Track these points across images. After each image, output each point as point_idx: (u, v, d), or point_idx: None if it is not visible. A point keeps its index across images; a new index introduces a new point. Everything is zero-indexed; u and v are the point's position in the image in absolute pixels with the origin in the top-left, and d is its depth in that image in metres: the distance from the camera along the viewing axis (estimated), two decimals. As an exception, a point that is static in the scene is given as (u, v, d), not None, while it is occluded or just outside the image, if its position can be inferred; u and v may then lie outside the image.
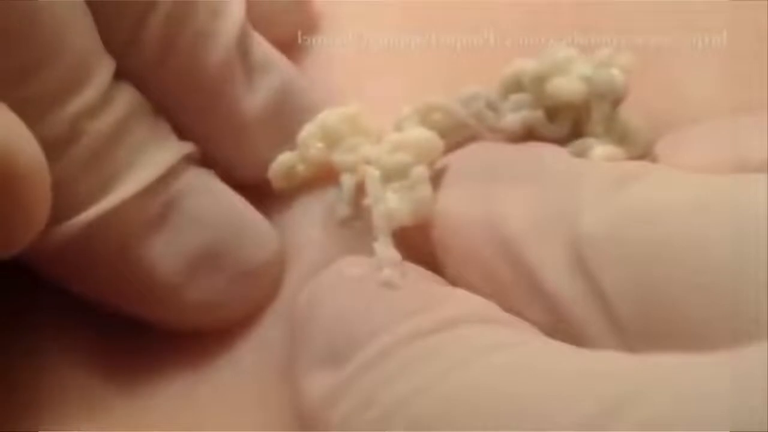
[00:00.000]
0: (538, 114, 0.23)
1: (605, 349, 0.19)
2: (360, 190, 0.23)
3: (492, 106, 0.24)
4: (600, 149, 0.22)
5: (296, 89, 0.25)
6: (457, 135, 0.24)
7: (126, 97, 0.23)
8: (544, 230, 0.20)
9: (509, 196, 0.21)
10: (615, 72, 0.23)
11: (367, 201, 0.22)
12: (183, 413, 0.23)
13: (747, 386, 0.15)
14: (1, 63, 0.21)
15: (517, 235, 0.20)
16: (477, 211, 0.21)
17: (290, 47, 0.26)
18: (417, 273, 0.22)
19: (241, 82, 0.24)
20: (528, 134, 0.23)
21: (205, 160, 0.24)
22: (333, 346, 0.20)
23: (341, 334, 0.20)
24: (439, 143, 0.23)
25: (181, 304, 0.24)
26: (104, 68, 0.22)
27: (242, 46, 0.24)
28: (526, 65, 0.23)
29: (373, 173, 0.22)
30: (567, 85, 0.22)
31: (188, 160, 0.24)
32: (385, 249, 0.21)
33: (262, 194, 0.25)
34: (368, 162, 0.23)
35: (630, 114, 0.23)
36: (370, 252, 0.22)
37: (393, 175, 0.22)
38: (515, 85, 0.23)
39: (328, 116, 0.24)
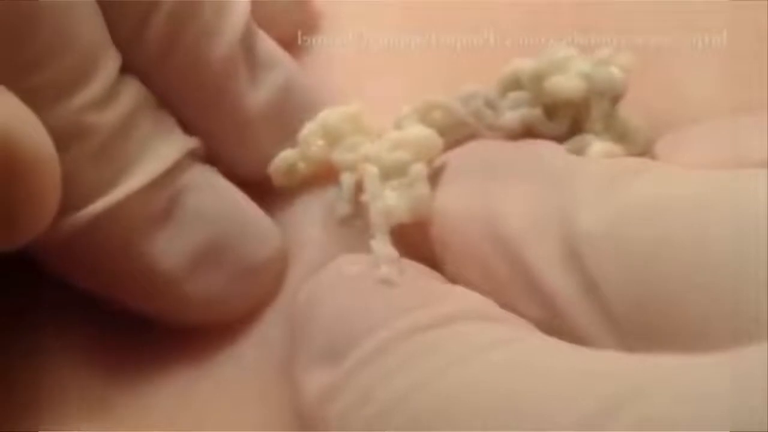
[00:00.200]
0: (537, 112, 0.23)
1: (601, 346, 0.19)
2: (360, 188, 0.23)
3: (491, 105, 0.24)
4: (598, 146, 0.22)
5: (299, 87, 0.25)
6: (457, 133, 0.24)
7: (132, 91, 0.23)
8: (541, 227, 0.20)
9: (507, 193, 0.21)
10: (614, 69, 0.23)
11: (365, 198, 0.22)
12: (184, 410, 0.23)
13: (747, 386, 0.15)
14: (10, 54, 0.21)
15: (514, 232, 0.20)
16: (475, 208, 0.21)
17: (290, 47, 0.26)
18: (415, 270, 0.22)
19: (244, 78, 0.24)
20: (527, 132, 0.23)
21: (208, 157, 0.24)
22: (331, 344, 0.20)
23: (340, 331, 0.20)
24: (438, 141, 0.23)
25: (183, 299, 0.24)
26: (111, 62, 0.23)
27: (246, 43, 0.24)
28: (525, 64, 0.23)
29: (371, 171, 0.22)
30: (566, 83, 0.22)
31: (193, 156, 0.24)
32: (383, 246, 0.21)
33: (263, 192, 0.25)
34: (368, 160, 0.23)
35: (629, 112, 0.23)
36: (370, 250, 0.22)
37: (392, 172, 0.22)
38: (514, 84, 0.24)
39: (329, 115, 0.24)
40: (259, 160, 0.25)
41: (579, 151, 0.22)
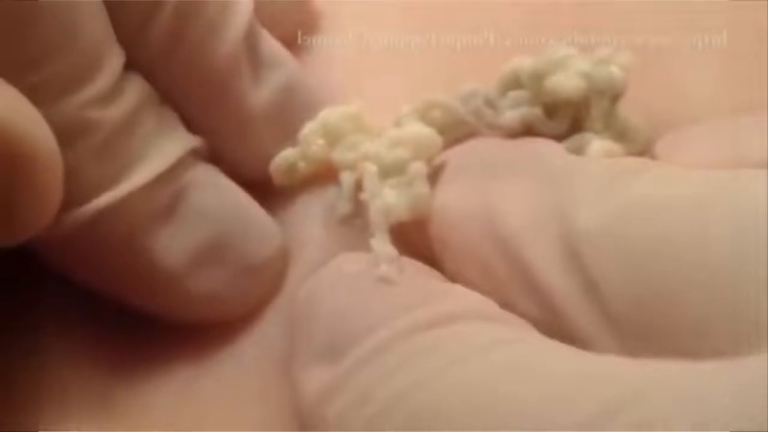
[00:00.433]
0: (537, 111, 0.23)
1: (601, 346, 0.19)
2: (360, 187, 0.23)
3: (490, 104, 0.24)
4: (597, 144, 0.22)
5: (302, 86, 0.25)
6: (456, 132, 0.24)
7: (136, 88, 0.23)
8: (540, 226, 0.20)
9: (507, 192, 0.21)
10: (613, 68, 0.23)
11: (364, 196, 0.22)
12: (184, 408, 0.23)
13: (747, 394, 0.15)
14: (13, 50, 0.21)
15: (514, 231, 0.20)
16: (474, 207, 0.21)
17: (290, 47, 0.26)
18: (414, 268, 0.22)
19: (248, 77, 0.24)
20: (526, 131, 0.23)
21: (211, 156, 0.24)
22: (331, 342, 0.20)
23: (339, 329, 0.20)
24: (438, 140, 0.23)
25: (184, 296, 0.24)
26: (115, 58, 0.23)
27: (250, 41, 0.24)
28: (525, 62, 0.23)
29: (371, 169, 0.23)
30: (566, 82, 0.22)
31: (195, 154, 0.24)
32: (382, 245, 0.21)
33: (264, 191, 0.25)
34: (367, 158, 0.23)
35: (629, 112, 0.23)
36: (370, 249, 0.22)
37: (391, 170, 0.23)
38: (514, 83, 0.24)
39: (330, 114, 0.24)
40: (261, 159, 0.25)
41: (578, 150, 0.22)
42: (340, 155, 0.24)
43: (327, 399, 0.20)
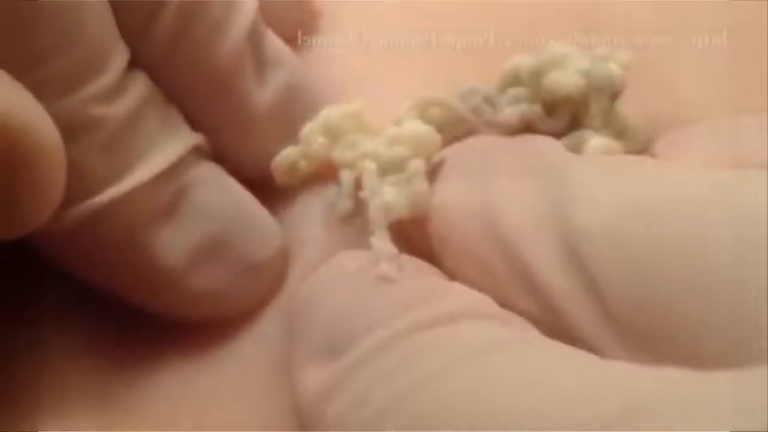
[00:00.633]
0: (536, 108, 0.23)
1: (601, 345, 0.19)
2: (360, 185, 0.23)
3: (490, 101, 0.24)
4: (596, 141, 0.22)
5: (304, 85, 0.25)
6: (455, 129, 0.24)
7: (140, 86, 0.23)
8: (540, 225, 0.20)
9: (506, 190, 0.21)
10: (613, 66, 0.23)
11: (363, 194, 0.22)
12: (184, 405, 0.23)
13: (750, 407, 0.15)
14: (19, 46, 0.21)
15: (513, 230, 0.20)
16: (474, 205, 0.21)
17: (290, 47, 0.26)
18: (414, 266, 0.22)
19: (251, 75, 0.24)
20: (525, 128, 0.23)
21: (213, 154, 0.24)
22: (330, 340, 0.20)
23: (338, 328, 0.20)
24: (437, 137, 0.23)
25: (184, 294, 0.24)
26: (119, 55, 0.23)
27: (254, 40, 0.24)
28: (524, 60, 0.23)
29: (369, 167, 0.23)
30: (565, 79, 0.22)
31: (199, 152, 0.24)
32: (382, 243, 0.21)
33: (265, 190, 0.25)
34: (366, 156, 0.23)
35: (628, 110, 0.23)
36: (371, 247, 0.22)
37: (390, 168, 0.22)
38: (513, 80, 0.24)
39: (331, 112, 0.24)
40: (263, 158, 0.25)
41: (577, 147, 0.22)
42: (339, 154, 0.24)
43: (326, 398, 0.20)
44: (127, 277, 0.23)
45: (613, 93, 0.23)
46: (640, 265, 0.18)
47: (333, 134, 0.24)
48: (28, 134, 0.20)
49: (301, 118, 0.25)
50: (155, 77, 0.23)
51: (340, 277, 0.22)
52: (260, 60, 0.24)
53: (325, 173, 0.25)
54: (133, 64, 0.23)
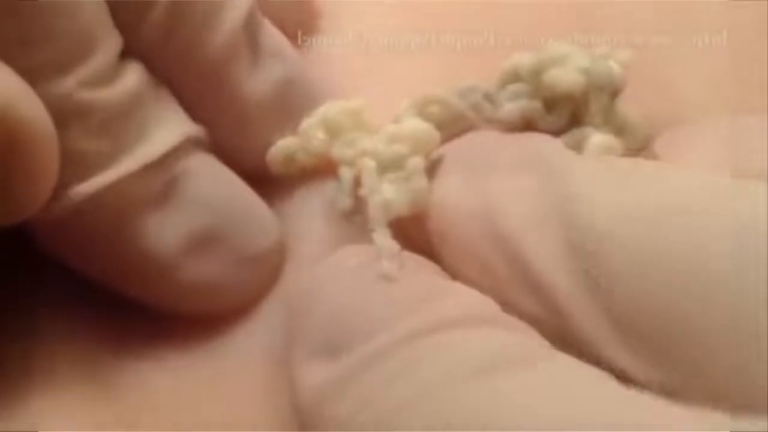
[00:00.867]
0: (536, 104, 0.23)
1: (603, 345, 0.19)
2: (359, 183, 0.23)
3: (489, 98, 0.24)
4: (597, 138, 0.22)
5: (302, 79, 0.25)
6: (455, 127, 0.24)
7: (134, 74, 0.23)
8: (540, 224, 0.20)
9: (505, 188, 0.21)
10: (612, 64, 0.23)
11: (362, 192, 0.22)
12: (178, 397, 0.23)
13: None
14: (7, 32, 0.21)
15: (513, 228, 0.20)
16: (473, 202, 0.21)
17: (290, 46, 0.26)
18: (415, 263, 0.22)
19: (246, 66, 0.24)
20: (525, 125, 0.23)
21: (210, 147, 0.24)
22: (330, 339, 0.20)
23: (339, 327, 0.20)
24: (436, 135, 0.23)
25: (175, 285, 0.23)
26: (110, 42, 0.22)
27: (250, 29, 0.24)
28: (524, 58, 0.23)
29: (369, 164, 0.22)
30: (565, 76, 0.22)
31: (196, 143, 0.24)
32: (384, 239, 0.21)
33: (263, 183, 0.25)
34: (365, 154, 0.23)
35: (628, 108, 0.23)
36: (370, 244, 0.22)
37: (389, 166, 0.22)
38: (513, 78, 0.23)
39: (330, 109, 0.24)
40: (259, 150, 0.25)
41: (577, 144, 0.22)
42: (339, 151, 0.24)
43: (326, 399, 0.20)
44: (117, 267, 0.23)
45: (613, 91, 0.23)
46: (642, 267, 0.18)
47: (332, 130, 0.24)
48: (23, 121, 0.20)
49: (299, 112, 0.25)
50: (151, 69, 0.23)
51: (340, 274, 0.21)
52: (256, 51, 0.24)
53: (323, 168, 0.25)
54: (130, 54, 0.23)
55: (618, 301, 0.18)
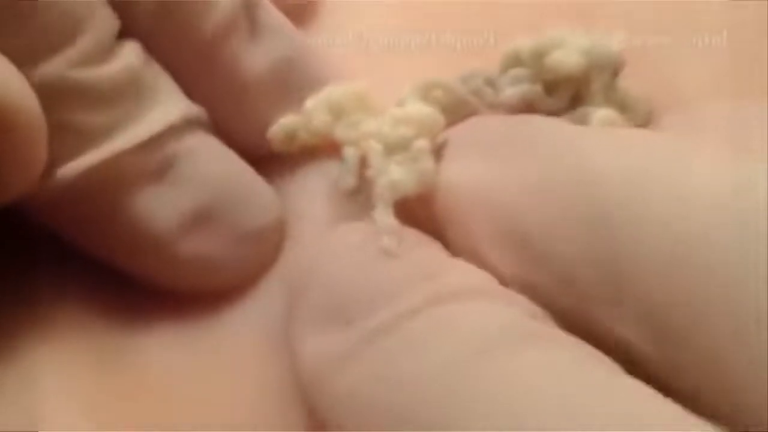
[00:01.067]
0: (537, 88, 0.23)
1: (613, 317, 0.18)
2: (363, 163, 0.23)
3: (490, 83, 0.24)
4: (601, 113, 0.22)
5: (305, 60, 0.25)
6: (458, 112, 0.24)
7: (132, 51, 0.23)
8: (547, 198, 0.20)
9: (511, 166, 0.21)
10: (612, 43, 0.23)
11: (370, 173, 0.22)
12: (176, 373, 0.23)
13: None
14: None
15: (519, 204, 0.20)
16: (480, 182, 0.21)
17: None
18: (416, 238, 0.21)
19: (245, 41, 0.24)
20: (527, 108, 0.23)
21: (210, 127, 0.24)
22: (331, 312, 0.20)
23: (340, 300, 0.20)
24: (440, 118, 0.23)
25: (173, 261, 0.23)
26: (102, 22, 0.22)
27: (249, 6, 0.24)
28: (524, 42, 0.23)
29: (375, 146, 0.22)
30: (566, 58, 0.23)
31: (196, 123, 0.24)
32: (384, 216, 0.21)
33: (262, 163, 0.25)
34: (370, 136, 0.23)
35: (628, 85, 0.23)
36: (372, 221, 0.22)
37: (395, 148, 0.22)
38: (514, 62, 0.24)
39: (335, 90, 0.24)
40: (257, 128, 0.25)
41: (580, 123, 0.22)
42: (342, 132, 0.24)
43: (327, 375, 0.19)
44: (114, 243, 0.23)
45: (614, 70, 0.23)
46: (657, 242, 0.18)
47: (336, 112, 0.24)
48: (6, 104, 0.20)
49: (298, 91, 0.25)
50: (148, 48, 0.23)
51: (341, 250, 0.21)
52: (255, 28, 0.24)
53: (323, 148, 0.25)
54: (127, 35, 0.23)
55: (628, 272, 0.18)
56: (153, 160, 0.23)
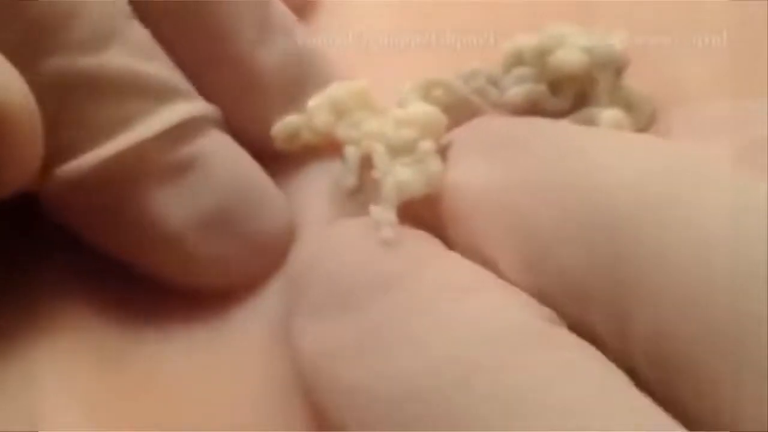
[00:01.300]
0: (541, 87, 0.23)
1: (618, 319, 0.18)
2: (364, 163, 0.23)
3: (494, 82, 0.24)
4: (608, 114, 0.22)
5: (311, 58, 0.25)
6: (460, 112, 0.24)
7: (136, 39, 0.23)
8: (551, 200, 0.20)
9: (517, 167, 0.21)
10: (614, 41, 0.23)
11: (375, 174, 0.22)
12: (183, 372, 0.23)
13: None
14: None
15: (525, 206, 0.20)
16: (487, 183, 0.21)
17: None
18: (415, 233, 0.21)
19: (254, 38, 0.24)
20: (531, 109, 0.23)
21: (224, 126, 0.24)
22: (330, 303, 0.20)
23: (338, 291, 0.20)
24: (443, 118, 0.23)
25: (186, 259, 0.23)
26: (98, 5, 0.22)
27: (260, 4, 0.24)
28: (527, 40, 0.23)
29: (379, 148, 0.22)
30: (570, 57, 0.22)
31: (213, 121, 0.24)
32: (381, 211, 0.21)
33: (266, 160, 0.25)
34: (373, 137, 0.23)
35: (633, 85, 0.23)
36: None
37: (400, 150, 0.22)
38: (516, 60, 0.24)
39: (337, 89, 0.24)
40: (262, 126, 0.25)
41: (585, 123, 0.22)
42: (344, 131, 0.24)
43: (326, 366, 0.19)
44: (127, 237, 0.23)
45: (617, 68, 0.23)
46: (661, 247, 0.18)
47: (338, 111, 0.24)
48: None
49: (304, 89, 0.25)
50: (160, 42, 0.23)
51: (340, 243, 0.21)
52: (264, 25, 0.24)
53: (326, 147, 0.24)
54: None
55: (634, 276, 0.18)
56: (174, 155, 0.23)
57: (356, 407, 0.19)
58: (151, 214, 0.23)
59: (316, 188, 0.25)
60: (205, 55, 0.24)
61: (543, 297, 0.19)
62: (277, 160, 0.25)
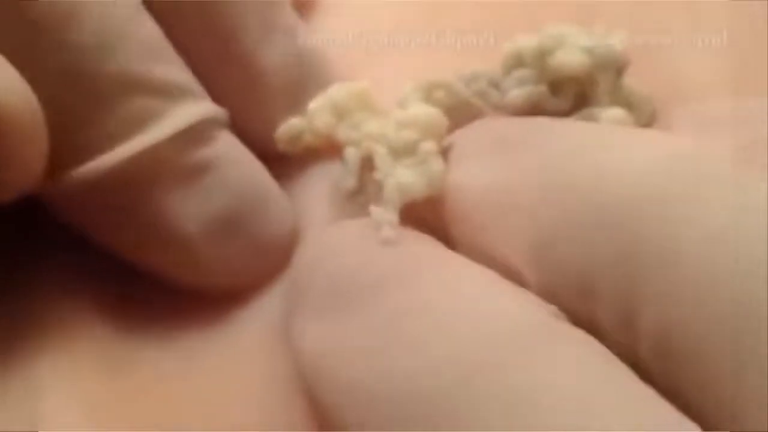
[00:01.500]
0: (542, 89, 0.23)
1: (624, 319, 0.18)
2: (365, 164, 0.23)
3: (494, 84, 0.24)
4: (610, 113, 0.22)
5: (313, 59, 0.25)
6: (461, 114, 0.24)
7: (145, 33, 0.23)
8: (557, 197, 0.19)
9: (521, 167, 0.21)
10: (614, 42, 0.23)
11: (377, 176, 0.22)
12: (186, 375, 0.23)
13: None
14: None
15: (530, 206, 0.20)
16: (489, 183, 0.21)
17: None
18: (415, 234, 0.21)
19: (259, 38, 0.24)
20: (532, 110, 0.23)
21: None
22: (330, 302, 0.20)
23: (338, 290, 0.20)
24: (444, 120, 0.23)
25: (194, 261, 0.23)
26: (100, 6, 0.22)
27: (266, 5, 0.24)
28: (527, 41, 0.23)
29: (380, 150, 0.22)
30: (570, 58, 0.22)
31: (224, 123, 0.24)
32: (382, 211, 0.21)
33: (270, 163, 0.25)
34: (373, 139, 0.23)
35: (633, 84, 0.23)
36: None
37: (401, 152, 0.22)
38: (517, 62, 0.23)
39: (338, 91, 0.24)
40: (268, 129, 0.25)
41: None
42: (344, 133, 0.24)
43: (326, 365, 0.19)
44: (137, 237, 0.23)
45: (618, 68, 0.23)
46: (670, 243, 0.18)
47: (339, 113, 0.24)
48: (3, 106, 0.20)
49: (307, 91, 0.25)
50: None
51: (341, 243, 0.21)
52: (268, 25, 0.24)
53: (329, 149, 0.25)
54: None
55: (640, 272, 0.18)
56: (189, 156, 0.23)
57: (357, 407, 0.19)
58: (165, 215, 0.23)
59: (318, 190, 0.25)
60: (211, 54, 0.24)
61: (547, 294, 0.19)
62: (280, 161, 0.25)
